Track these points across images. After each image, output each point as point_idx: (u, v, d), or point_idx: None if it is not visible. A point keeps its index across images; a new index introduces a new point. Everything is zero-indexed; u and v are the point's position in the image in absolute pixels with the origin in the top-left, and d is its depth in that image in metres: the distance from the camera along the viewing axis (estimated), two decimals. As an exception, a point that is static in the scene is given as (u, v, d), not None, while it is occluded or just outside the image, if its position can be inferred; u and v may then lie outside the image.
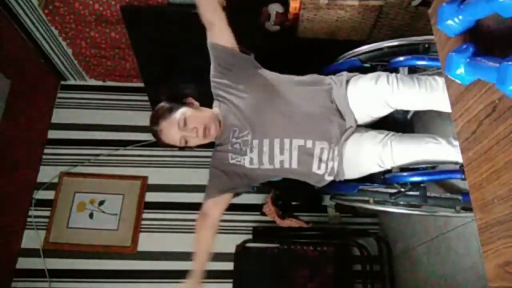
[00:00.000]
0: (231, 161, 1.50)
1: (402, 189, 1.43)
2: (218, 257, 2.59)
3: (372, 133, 1.43)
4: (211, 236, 1.56)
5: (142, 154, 2.86)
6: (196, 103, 1.51)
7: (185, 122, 1.41)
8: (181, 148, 1.50)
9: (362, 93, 1.43)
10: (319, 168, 1.45)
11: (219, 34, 1.46)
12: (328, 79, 1.54)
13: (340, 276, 2.48)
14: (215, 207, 1.54)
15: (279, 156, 1.44)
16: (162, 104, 1.50)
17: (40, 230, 2.66)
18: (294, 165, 1.45)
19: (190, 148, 1.52)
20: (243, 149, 1.47)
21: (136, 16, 2.22)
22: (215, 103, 1.55)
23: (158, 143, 1.51)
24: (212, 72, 1.52)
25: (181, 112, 1.43)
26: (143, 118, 2.80)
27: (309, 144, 1.42)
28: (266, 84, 1.50)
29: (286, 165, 1.46)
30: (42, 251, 2.60)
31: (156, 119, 1.46)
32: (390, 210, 1.56)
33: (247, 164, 1.48)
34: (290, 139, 1.43)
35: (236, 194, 1.59)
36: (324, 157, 1.44)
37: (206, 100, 1.56)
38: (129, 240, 2.65)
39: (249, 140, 1.45)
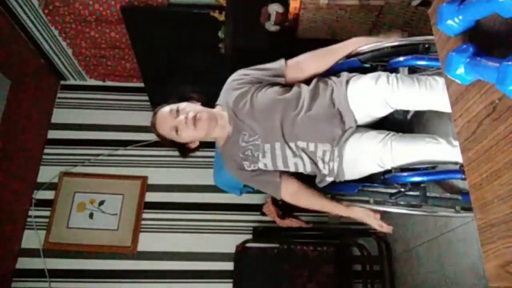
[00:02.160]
0: (248, 169, 1.51)
1: (402, 189, 1.43)
2: (218, 257, 2.61)
3: (372, 133, 1.43)
4: (306, 195, 1.54)
5: (142, 154, 2.86)
6: (198, 102, 1.52)
7: (178, 112, 1.43)
8: (182, 154, 1.52)
9: (362, 93, 1.43)
10: (324, 168, 1.47)
11: None
12: (328, 80, 1.54)
13: (340, 276, 2.48)
14: (290, 184, 1.53)
15: (293, 158, 1.46)
16: None
17: (40, 230, 2.66)
18: (308, 167, 1.48)
19: (192, 152, 1.53)
20: (255, 155, 1.47)
21: (136, 16, 2.22)
22: (218, 108, 1.55)
23: (161, 142, 1.53)
24: (237, 79, 1.53)
25: (178, 104, 1.47)
26: (143, 118, 2.81)
27: (311, 147, 1.43)
28: (272, 89, 1.51)
29: (301, 169, 1.49)
30: (42, 251, 2.61)
31: (155, 111, 1.51)
32: (390, 210, 1.55)
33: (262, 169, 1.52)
34: (294, 142, 1.44)
35: None
36: (326, 159, 1.44)
37: (206, 100, 1.56)
38: (129, 240, 2.65)
39: (260, 145, 1.46)
